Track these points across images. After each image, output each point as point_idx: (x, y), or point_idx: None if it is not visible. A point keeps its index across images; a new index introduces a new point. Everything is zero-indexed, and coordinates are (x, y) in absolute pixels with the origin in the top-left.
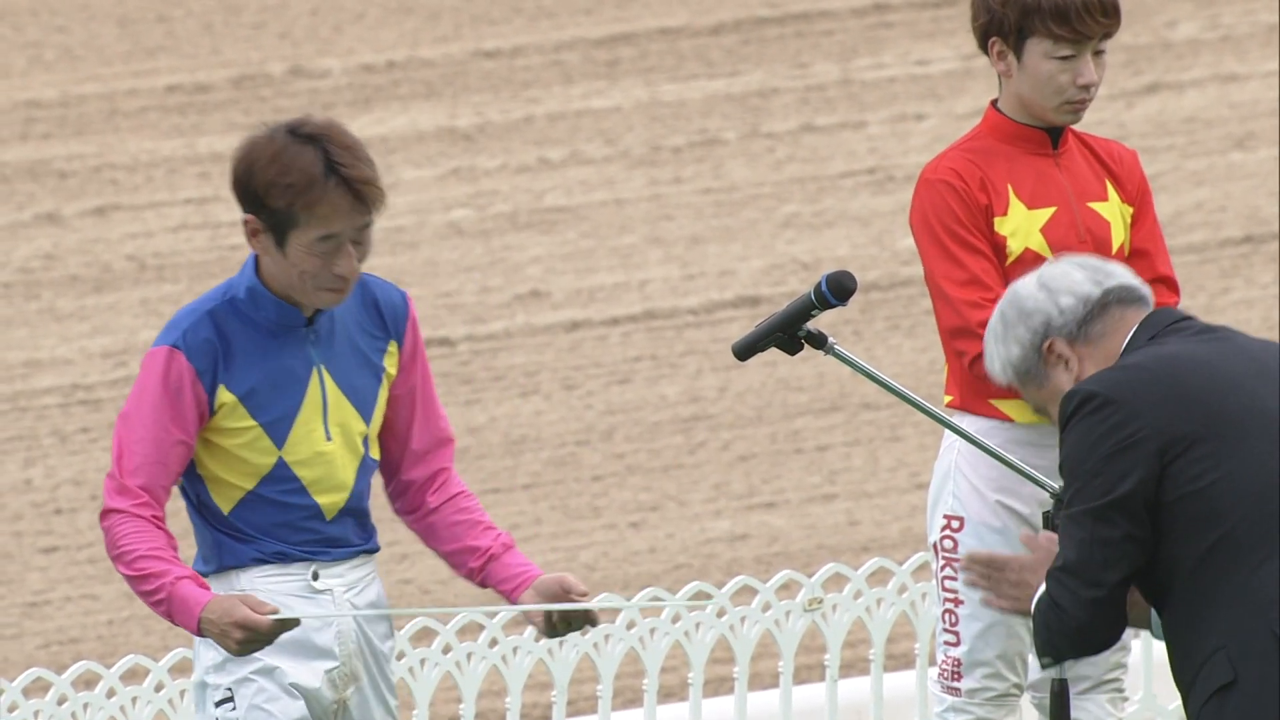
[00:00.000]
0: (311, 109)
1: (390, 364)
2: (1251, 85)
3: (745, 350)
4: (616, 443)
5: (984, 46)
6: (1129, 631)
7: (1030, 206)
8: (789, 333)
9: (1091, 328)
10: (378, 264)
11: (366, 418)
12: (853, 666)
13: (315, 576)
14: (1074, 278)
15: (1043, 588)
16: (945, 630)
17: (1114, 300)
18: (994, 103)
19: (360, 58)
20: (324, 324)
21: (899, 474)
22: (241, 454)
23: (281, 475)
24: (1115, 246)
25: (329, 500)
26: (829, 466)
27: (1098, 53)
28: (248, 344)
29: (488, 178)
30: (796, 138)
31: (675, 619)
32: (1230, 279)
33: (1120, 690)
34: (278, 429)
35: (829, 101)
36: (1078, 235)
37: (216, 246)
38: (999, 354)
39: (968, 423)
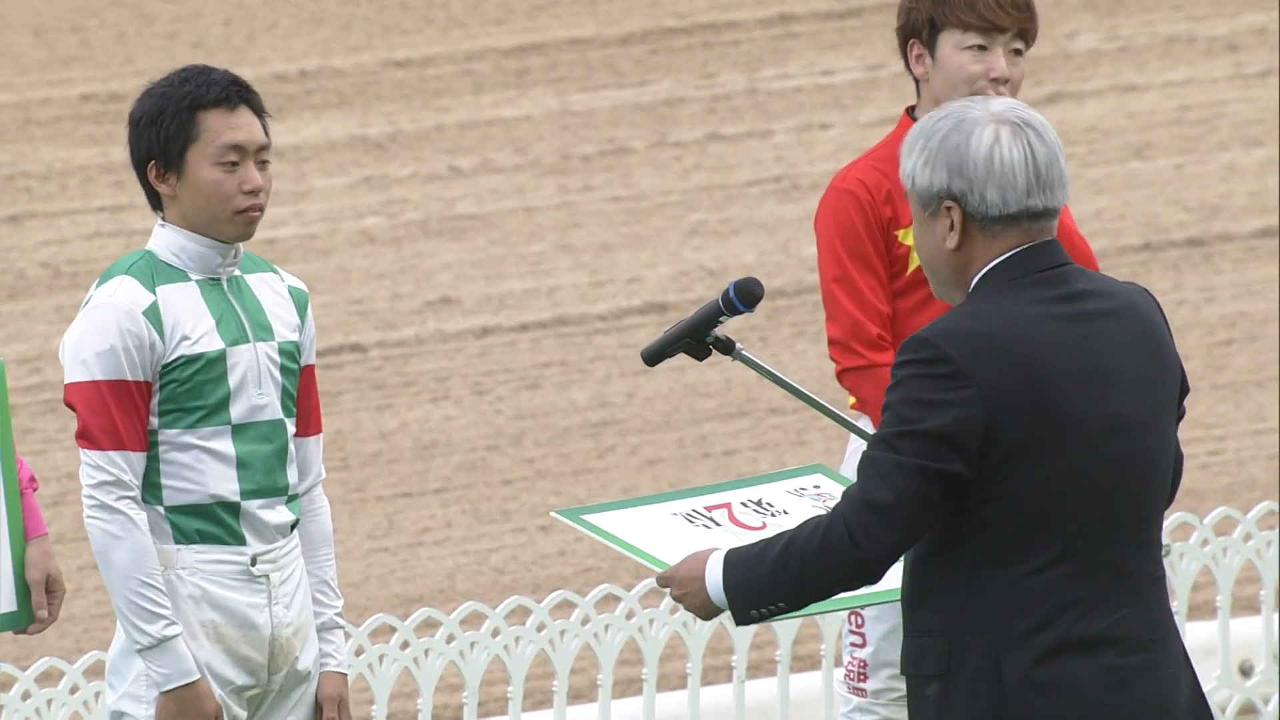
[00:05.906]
0: None
1: None
2: (1149, 96)
3: (654, 356)
4: (526, 447)
5: (905, 53)
6: None
7: None
8: (697, 339)
9: (992, 226)
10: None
11: None
12: (759, 668)
13: None
14: (1016, 183)
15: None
16: (851, 632)
17: (1026, 216)
18: (909, 110)
19: (272, 67)
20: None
21: None
22: None
23: None
24: None
25: None
26: (736, 471)
27: (1016, 52)
28: None
29: (399, 186)
30: (703, 147)
31: (585, 621)
32: None
33: None
34: None
35: (735, 111)
36: None
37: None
38: (913, 165)
39: (869, 424)
